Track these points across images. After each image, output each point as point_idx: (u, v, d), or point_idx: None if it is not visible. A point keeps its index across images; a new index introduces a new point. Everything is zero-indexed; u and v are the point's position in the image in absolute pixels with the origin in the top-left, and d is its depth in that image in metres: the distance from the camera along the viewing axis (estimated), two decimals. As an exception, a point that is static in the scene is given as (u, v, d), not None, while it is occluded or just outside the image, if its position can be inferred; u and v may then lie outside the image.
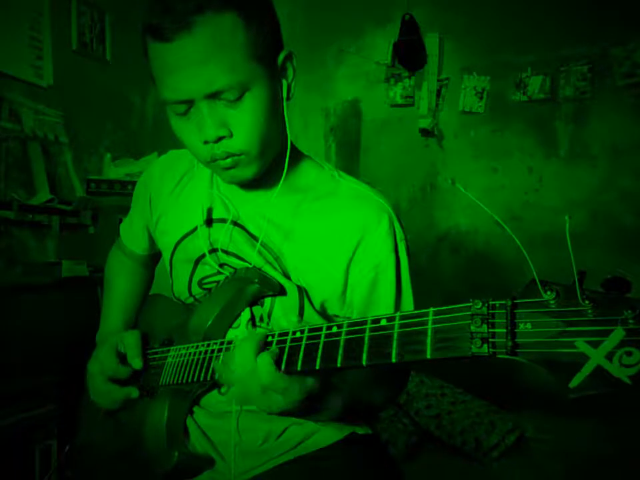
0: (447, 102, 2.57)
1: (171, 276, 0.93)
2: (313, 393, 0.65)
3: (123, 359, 0.87)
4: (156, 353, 0.88)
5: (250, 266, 0.83)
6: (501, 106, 2.46)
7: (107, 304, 1.03)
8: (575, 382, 0.42)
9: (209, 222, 0.86)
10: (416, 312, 0.54)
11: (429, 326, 0.52)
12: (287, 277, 0.82)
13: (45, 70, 2.31)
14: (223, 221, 0.86)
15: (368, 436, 0.89)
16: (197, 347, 0.79)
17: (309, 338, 0.62)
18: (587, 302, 0.43)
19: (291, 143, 0.84)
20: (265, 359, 0.63)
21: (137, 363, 0.85)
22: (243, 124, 0.71)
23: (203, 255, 0.86)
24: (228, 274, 0.84)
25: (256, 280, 0.78)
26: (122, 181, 2.36)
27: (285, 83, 0.76)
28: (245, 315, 0.83)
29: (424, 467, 1.84)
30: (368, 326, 0.57)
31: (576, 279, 0.44)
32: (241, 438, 0.83)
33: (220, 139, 0.71)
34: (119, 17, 2.66)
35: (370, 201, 0.82)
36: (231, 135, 0.72)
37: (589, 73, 2.28)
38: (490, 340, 0.47)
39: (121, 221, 1.08)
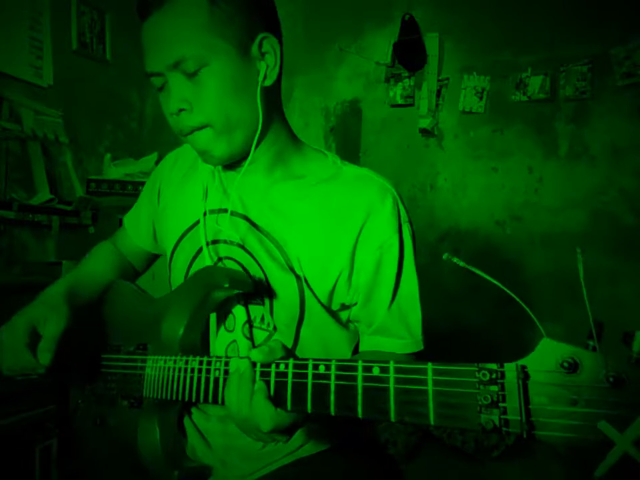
0: (446, 102, 2.56)
1: (170, 268, 0.92)
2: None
3: (34, 340, 0.79)
4: (134, 360, 0.84)
5: (224, 262, 0.82)
6: (500, 106, 2.46)
7: (66, 274, 0.97)
8: (600, 471, 0.39)
9: (211, 212, 0.86)
10: (412, 366, 0.50)
11: (430, 387, 0.47)
12: (290, 267, 0.79)
13: (45, 70, 2.31)
14: (225, 210, 0.85)
15: (367, 438, 0.89)
16: (175, 362, 0.75)
17: (295, 375, 0.58)
18: (611, 379, 0.38)
19: (292, 133, 0.86)
20: (260, 404, 0.58)
21: (44, 358, 0.78)
22: (201, 98, 0.74)
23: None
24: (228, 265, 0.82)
25: (226, 285, 0.73)
26: (122, 180, 2.36)
27: (263, 65, 0.77)
28: (240, 317, 0.81)
29: (424, 466, 1.84)
30: (360, 374, 0.53)
31: (596, 341, 0.39)
32: (241, 441, 0.82)
33: (180, 111, 0.75)
34: (119, 17, 2.66)
35: (373, 183, 0.82)
36: (191, 109, 0.75)
37: (589, 73, 2.28)
38: (501, 417, 0.43)
39: (121, 221, 1.07)
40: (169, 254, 0.92)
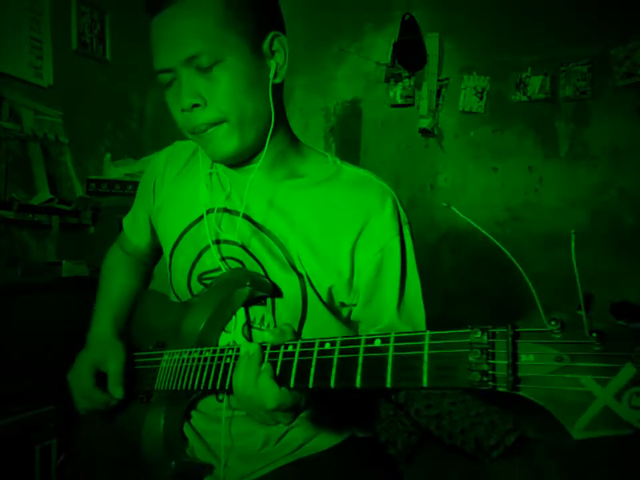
0: (446, 102, 2.57)
1: (170, 269, 0.90)
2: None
3: (102, 380, 0.87)
4: (150, 357, 0.87)
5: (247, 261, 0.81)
6: (500, 106, 2.46)
7: (100, 302, 0.99)
8: (580, 424, 0.39)
9: (213, 211, 0.84)
10: (411, 334, 0.52)
11: (425, 351, 0.49)
12: (292, 265, 0.79)
13: (45, 70, 2.31)
14: (225, 210, 0.84)
15: (367, 438, 0.88)
16: (190, 353, 0.77)
17: (301, 354, 0.60)
18: (594, 334, 0.39)
19: (293, 133, 0.86)
20: (266, 383, 0.61)
21: (117, 392, 0.86)
22: (215, 93, 0.73)
23: (207, 247, 0.83)
24: (225, 269, 0.82)
25: (248, 283, 0.76)
26: (122, 180, 2.36)
27: (273, 63, 0.77)
28: (240, 318, 0.81)
29: (424, 467, 1.84)
30: (362, 346, 0.55)
31: (582, 308, 0.41)
32: (240, 442, 0.82)
33: (194, 106, 0.74)
34: (119, 17, 2.66)
35: (373, 185, 0.82)
36: (205, 104, 0.74)
37: (589, 73, 2.28)
38: (489, 372, 0.44)
39: (121, 222, 1.06)
40: (167, 254, 0.91)
